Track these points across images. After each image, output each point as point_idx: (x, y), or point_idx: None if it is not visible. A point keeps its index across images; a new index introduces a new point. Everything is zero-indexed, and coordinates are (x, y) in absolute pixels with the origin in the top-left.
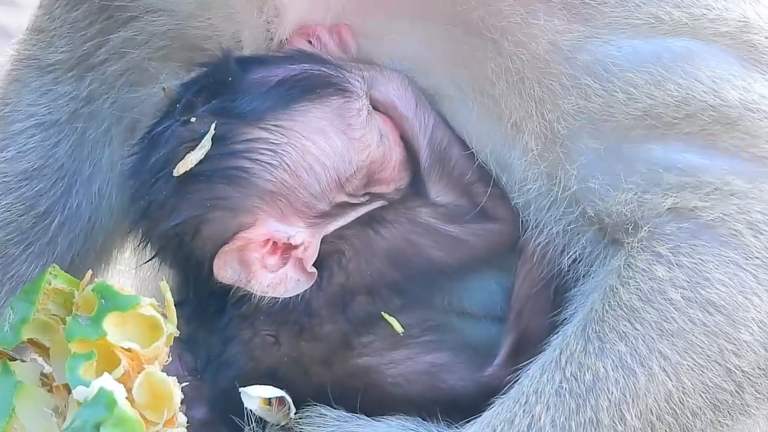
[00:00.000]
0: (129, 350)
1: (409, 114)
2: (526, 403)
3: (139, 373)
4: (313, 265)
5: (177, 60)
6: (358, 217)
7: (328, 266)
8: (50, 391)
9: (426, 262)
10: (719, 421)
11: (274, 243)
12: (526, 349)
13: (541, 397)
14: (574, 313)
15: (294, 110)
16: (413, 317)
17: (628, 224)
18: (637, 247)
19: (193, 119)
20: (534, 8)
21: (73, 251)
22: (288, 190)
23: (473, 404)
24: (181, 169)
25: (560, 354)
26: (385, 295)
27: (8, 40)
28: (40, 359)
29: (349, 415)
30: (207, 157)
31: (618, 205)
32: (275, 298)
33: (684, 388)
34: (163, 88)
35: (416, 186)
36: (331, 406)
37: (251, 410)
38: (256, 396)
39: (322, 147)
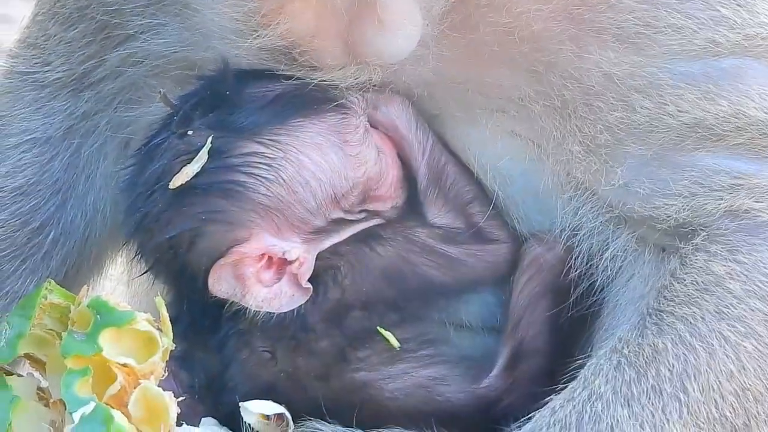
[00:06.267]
0: (125, 365)
1: (408, 134)
2: (584, 380)
3: (135, 388)
4: (309, 280)
5: (174, 78)
6: (355, 234)
7: (324, 281)
8: (47, 405)
9: (422, 281)
10: None
11: (270, 258)
12: (523, 359)
13: (599, 374)
14: (610, 324)
15: (291, 125)
16: (409, 331)
17: (683, 229)
18: (692, 250)
19: (190, 132)
20: (585, 43)
21: (68, 265)
22: (284, 204)
23: (470, 416)
24: (177, 181)
25: (615, 344)
26: (381, 310)
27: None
28: (36, 374)
29: (345, 429)
30: (203, 170)
31: (669, 211)
32: (270, 313)
33: (745, 370)
34: (160, 91)
35: (413, 206)
36: (327, 421)
37: (249, 425)
38: (255, 411)
39: (318, 162)
